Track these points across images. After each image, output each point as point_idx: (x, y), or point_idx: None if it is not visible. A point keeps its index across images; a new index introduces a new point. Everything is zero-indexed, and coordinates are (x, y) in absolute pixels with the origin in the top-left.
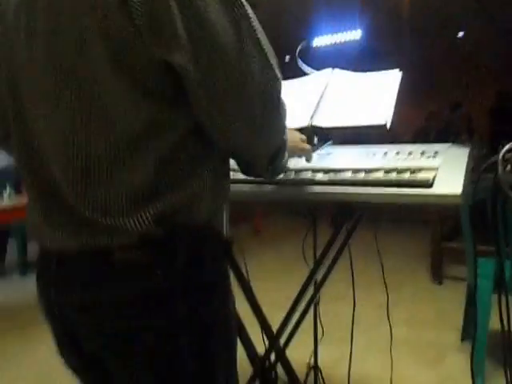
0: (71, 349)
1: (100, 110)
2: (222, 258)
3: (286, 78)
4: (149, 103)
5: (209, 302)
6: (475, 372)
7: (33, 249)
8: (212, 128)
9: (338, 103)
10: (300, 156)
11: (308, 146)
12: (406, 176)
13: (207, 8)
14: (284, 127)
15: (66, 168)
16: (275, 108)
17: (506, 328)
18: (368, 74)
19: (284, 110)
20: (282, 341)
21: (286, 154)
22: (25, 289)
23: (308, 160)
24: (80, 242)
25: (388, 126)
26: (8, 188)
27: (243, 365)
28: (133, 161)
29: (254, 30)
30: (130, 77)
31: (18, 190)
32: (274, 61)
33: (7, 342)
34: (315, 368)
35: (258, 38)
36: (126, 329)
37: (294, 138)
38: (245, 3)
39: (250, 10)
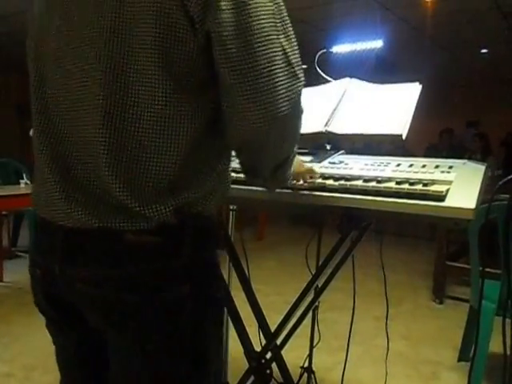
0: (66, 320)
1: (131, 90)
2: (215, 247)
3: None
4: (177, 89)
5: (208, 284)
6: None
7: None
8: (231, 114)
9: (355, 111)
10: (304, 180)
11: (315, 168)
12: (419, 188)
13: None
14: (298, 138)
15: (98, 147)
16: (295, 106)
17: (509, 352)
18: (387, 85)
19: (301, 121)
20: (279, 342)
21: (291, 169)
22: None
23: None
24: (97, 221)
25: (404, 137)
26: (25, 177)
27: (240, 361)
28: (160, 150)
29: (285, 29)
30: (165, 59)
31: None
32: (298, 67)
33: (14, 320)
34: (309, 370)
35: (286, 41)
36: (133, 303)
37: (299, 161)
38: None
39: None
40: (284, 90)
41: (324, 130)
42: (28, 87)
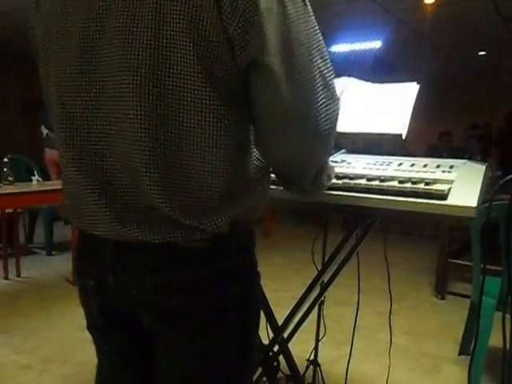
0: (115, 326)
1: (175, 109)
2: (255, 249)
3: None
4: (218, 104)
5: (253, 283)
6: None
7: (58, 231)
8: (272, 139)
9: (354, 110)
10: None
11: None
12: (421, 187)
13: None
14: (332, 145)
15: (147, 165)
16: (334, 125)
17: (508, 346)
18: (385, 84)
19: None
20: (286, 335)
21: (327, 172)
22: (50, 267)
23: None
24: (149, 236)
25: (403, 136)
26: (36, 174)
27: None
28: (208, 164)
29: (321, 50)
30: (206, 74)
31: (44, 176)
32: (334, 87)
33: (31, 314)
34: (314, 362)
35: (318, 60)
36: (189, 305)
37: None
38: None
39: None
40: (324, 114)
41: None
42: (31, 84)
